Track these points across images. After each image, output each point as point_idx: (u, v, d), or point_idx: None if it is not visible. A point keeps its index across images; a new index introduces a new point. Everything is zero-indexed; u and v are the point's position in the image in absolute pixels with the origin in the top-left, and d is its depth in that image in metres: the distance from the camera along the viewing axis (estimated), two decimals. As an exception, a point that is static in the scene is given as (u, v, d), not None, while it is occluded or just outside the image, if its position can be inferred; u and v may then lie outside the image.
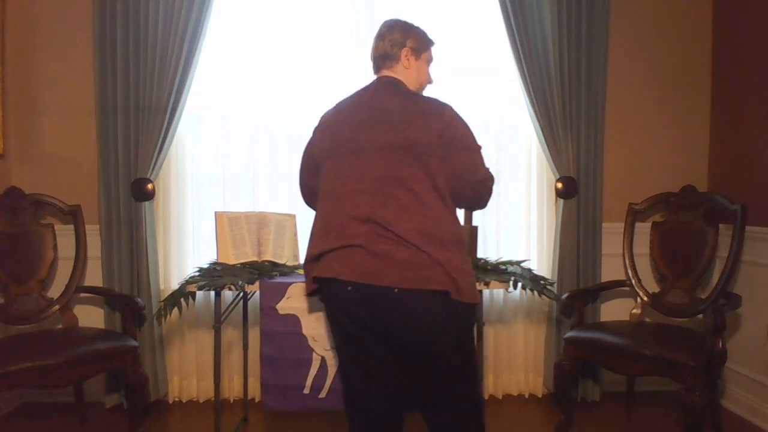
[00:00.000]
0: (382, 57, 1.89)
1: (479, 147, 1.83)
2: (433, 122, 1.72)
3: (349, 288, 1.66)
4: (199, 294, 2.70)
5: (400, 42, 1.89)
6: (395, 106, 1.76)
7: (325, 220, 1.77)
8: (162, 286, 3.09)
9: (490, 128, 3.20)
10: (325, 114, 1.92)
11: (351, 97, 1.88)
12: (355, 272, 1.65)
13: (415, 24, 1.98)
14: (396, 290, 1.61)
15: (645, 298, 2.95)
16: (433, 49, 2.05)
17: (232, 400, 3.14)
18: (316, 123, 1.94)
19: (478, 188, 1.83)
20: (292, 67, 3.16)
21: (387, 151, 1.70)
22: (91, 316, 3.02)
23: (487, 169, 1.86)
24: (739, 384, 2.93)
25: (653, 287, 3.01)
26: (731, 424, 2.79)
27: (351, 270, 1.65)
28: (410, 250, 1.62)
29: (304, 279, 2.41)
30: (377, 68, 1.92)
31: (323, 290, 1.79)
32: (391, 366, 1.76)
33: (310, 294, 1.87)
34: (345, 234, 1.68)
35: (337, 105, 1.90)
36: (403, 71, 1.89)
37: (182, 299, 2.47)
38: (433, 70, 2.10)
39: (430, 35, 2.02)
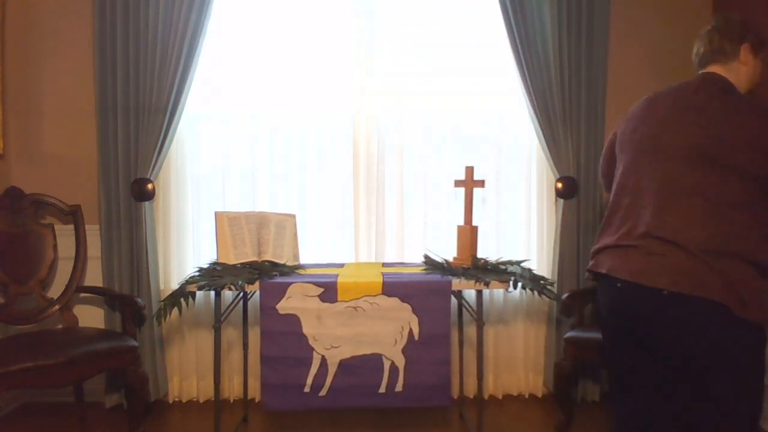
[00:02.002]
0: (716, 51, 1.77)
1: None
2: (749, 127, 1.57)
3: (618, 285, 1.66)
4: (199, 294, 2.70)
5: (739, 37, 1.79)
6: (711, 108, 1.62)
7: (612, 214, 1.76)
8: (162, 286, 3.09)
9: (490, 128, 3.20)
10: (637, 105, 1.85)
11: (668, 90, 1.76)
12: (626, 270, 1.63)
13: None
14: (665, 292, 1.54)
15: (645, 298, 2.95)
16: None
17: (232, 400, 3.14)
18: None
19: None
20: (292, 66, 3.16)
21: (687, 155, 1.60)
22: (91, 316, 3.02)
23: None
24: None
25: (653, 287, 3.01)
26: (731, 424, 2.79)
27: (622, 267, 1.64)
28: (688, 256, 1.53)
29: (304, 279, 2.43)
30: (705, 63, 1.78)
31: (598, 284, 1.81)
32: (645, 374, 1.72)
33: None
34: (625, 233, 1.68)
35: (649, 97, 1.81)
36: (736, 68, 1.75)
37: (182, 299, 2.47)
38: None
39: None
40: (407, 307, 2.38)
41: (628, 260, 1.63)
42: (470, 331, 3.04)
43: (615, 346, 1.79)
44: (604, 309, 1.79)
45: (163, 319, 2.50)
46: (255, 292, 2.50)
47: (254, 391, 3.09)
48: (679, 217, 1.58)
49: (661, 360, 1.65)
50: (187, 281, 2.46)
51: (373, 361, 2.39)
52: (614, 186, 1.80)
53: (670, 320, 1.56)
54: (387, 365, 2.39)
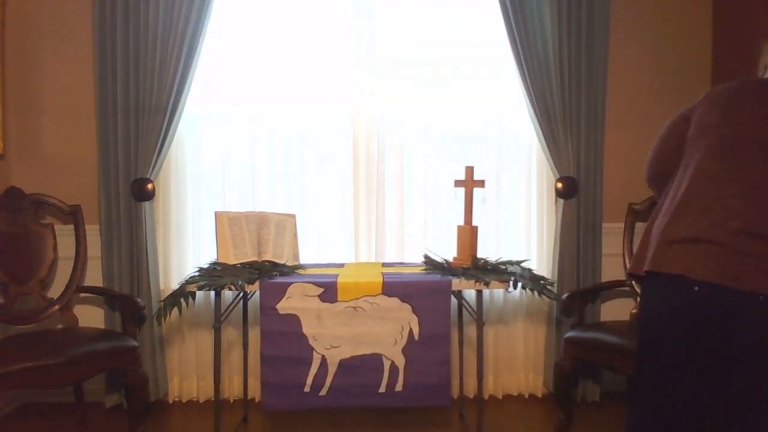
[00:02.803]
0: None
1: None
2: None
3: (696, 288, 1.43)
4: (199, 294, 2.70)
5: None
6: None
7: (685, 203, 1.52)
8: (162, 286, 3.09)
9: (490, 128, 3.20)
10: (720, 87, 1.64)
11: (748, 82, 1.61)
12: (710, 271, 1.41)
13: None
14: (761, 297, 1.37)
15: (645, 298, 2.94)
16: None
17: (232, 400, 3.14)
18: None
19: None
20: (292, 67, 3.16)
21: None
22: (91, 316, 3.02)
23: None
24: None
25: (653, 287, 3.01)
26: (731, 424, 2.79)
27: (704, 267, 1.42)
28: None
29: (304, 279, 2.43)
30: None
31: (656, 285, 1.53)
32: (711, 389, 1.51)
33: (633, 276, 1.67)
34: (707, 226, 1.45)
35: (740, 82, 1.62)
36: None
37: (182, 299, 2.47)
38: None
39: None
40: (407, 307, 2.38)
41: (712, 259, 1.41)
42: (470, 331, 3.04)
43: (671, 358, 1.53)
44: (663, 315, 1.52)
45: (163, 319, 2.50)
46: (255, 292, 2.50)
47: (254, 391, 3.09)
48: None
49: (736, 372, 1.45)
50: (187, 281, 2.46)
51: (373, 361, 2.39)
52: (690, 172, 1.55)
53: (763, 327, 1.40)
54: (387, 365, 2.39)
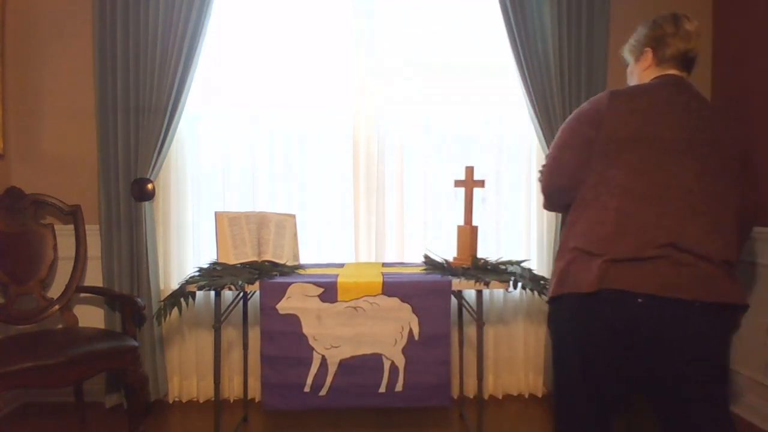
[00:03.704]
0: (692, 59, 1.69)
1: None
2: (736, 132, 1.60)
3: (640, 300, 1.47)
4: (199, 294, 2.71)
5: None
6: (708, 110, 1.59)
7: (620, 223, 1.52)
8: (162, 286, 3.09)
9: (490, 128, 3.20)
10: (627, 95, 1.61)
11: (654, 86, 1.63)
12: (652, 284, 1.46)
13: None
14: (697, 304, 1.46)
15: (645, 298, 2.94)
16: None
17: (232, 400, 3.14)
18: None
19: (754, 212, 1.67)
20: (293, 67, 3.16)
21: (707, 160, 1.53)
22: (91, 316, 3.02)
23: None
24: (739, 384, 2.93)
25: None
26: (731, 424, 2.79)
27: (646, 281, 1.47)
28: (712, 266, 1.48)
29: (304, 279, 2.43)
30: (670, 64, 1.68)
31: (596, 302, 1.52)
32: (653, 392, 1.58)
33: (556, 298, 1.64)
34: (643, 244, 1.49)
35: (646, 88, 1.64)
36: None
37: (182, 299, 2.47)
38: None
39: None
40: (407, 307, 2.38)
41: (653, 274, 1.46)
42: (470, 331, 3.04)
43: (607, 369, 1.56)
44: (603, 330, 1.53)
45: (163, 319, 2.51)
46: (255, 292, 2.50)
47: (254, 391, 3.09)
48: (700, 226, 1.49)
49: (671, 375, 1.53)
50: (187, 281, 2.46)
51: (373, 361, 2.39)
52: (615, 190, 1.55)
53: (698, 332, 1.48)
54: (387, 365, 2.39)
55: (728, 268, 1.51)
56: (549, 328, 1.75)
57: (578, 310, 1.57)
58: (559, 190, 1.72)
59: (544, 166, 1.77)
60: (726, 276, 1.50)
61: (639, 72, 1.77)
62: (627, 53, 1.85)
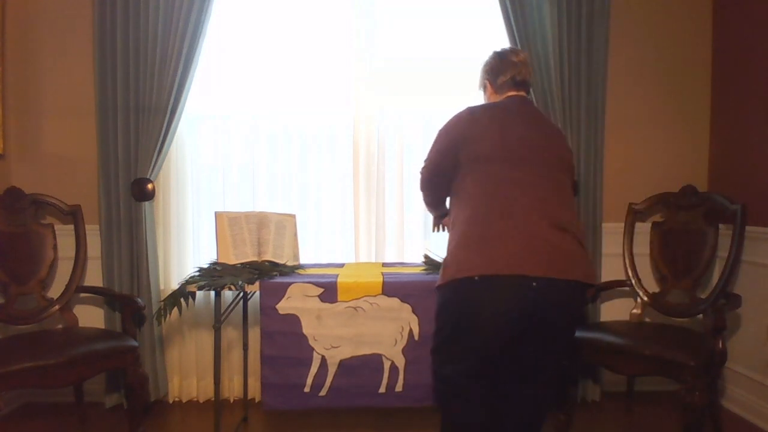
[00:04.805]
0: (526, 82, 2.14)
1: None
2: (565, 143, 2.13)
3: (534, 284, 1.77)
4: (199, 294, 2.71)
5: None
6: (547, 124, 2.11)
7: (484, 230, 1.86)
8: (162, 286, 3.09)
9: (490, 128, 3.20)
10: (484, 113, 2.06)
11: (502, 106, 2.08)
12: (541, 266, 1.78)
13: None
14: (574, 282, 1.84)
15: (645, 298, 2.95)
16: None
17: (232, 400, 3.14)
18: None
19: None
20: (292, 66, 3.16)
21: (556, 169, 1.98)
22: (91, 316, 3.02)
23: None
24: (739, 384, 2.93)
25: (653, 287, 3.01)
26: (731, 424, 2.79)
27: (537, 265, 1.78)
28: (578, 244, 1.90)
29: (304, 279, 2.43)
30: (511, 88, 2.13)
31: (480, 288, 1.82)
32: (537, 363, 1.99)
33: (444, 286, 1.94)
34: (523, 231, 1.84)
35: (485, 108, 2.11)
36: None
37: (182, 299, 2.47)
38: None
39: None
40: (407, 307, 2.38)
41: (540, 256, 1.79)
42: (470, 331, 3.04)
43: (503, 347, 1.90)
44: (502, 311, 1.82)
45: (163, 319, 2.51)
46: (255, 292, 2.50)
47: (254, 391, 3.09)
48: (561, 234, 1.85)
49: (549, 343, 1.94)
50: (187, 281, 2.46)
51: (373, 361, 2.39)
52: (497, 191, 1.89)
53: (571, 306, 1.93)
54: (387, 365, 2.39)
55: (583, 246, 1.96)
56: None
57: (469, 290, 1.90)
58: (430, 179, 2.29)
59: None
60: (586, 256, 1.97)
61: (486, 100, 2.25)
62: (479, 88, 2.31)
